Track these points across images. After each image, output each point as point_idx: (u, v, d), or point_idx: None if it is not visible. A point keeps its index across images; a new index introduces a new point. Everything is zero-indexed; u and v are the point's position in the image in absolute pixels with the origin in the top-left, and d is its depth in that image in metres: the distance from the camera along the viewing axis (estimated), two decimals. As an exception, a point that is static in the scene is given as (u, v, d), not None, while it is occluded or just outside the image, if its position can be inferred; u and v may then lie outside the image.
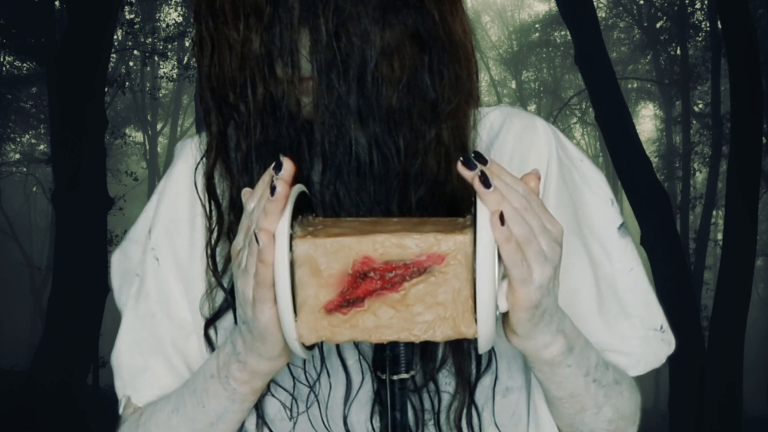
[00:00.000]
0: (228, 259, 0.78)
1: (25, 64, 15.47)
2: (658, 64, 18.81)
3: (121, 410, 0.85)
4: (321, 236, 0.59)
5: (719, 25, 10.14)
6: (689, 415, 7.34)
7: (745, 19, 7.26)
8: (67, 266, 7.12)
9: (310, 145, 0.71)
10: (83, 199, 7.08)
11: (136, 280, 0.85)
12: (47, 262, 17.53)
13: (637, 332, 0.82)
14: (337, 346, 0.76)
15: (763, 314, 22.65)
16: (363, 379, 0.76)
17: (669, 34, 17.13)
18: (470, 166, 0.60)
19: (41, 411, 7.04)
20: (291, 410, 0.78)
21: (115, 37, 10.48)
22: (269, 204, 0.58)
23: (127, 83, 13.76)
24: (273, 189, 0.58)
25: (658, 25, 17.92)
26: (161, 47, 15.14)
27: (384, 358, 0.72)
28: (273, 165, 0.60)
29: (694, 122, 16.31)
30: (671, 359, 0.86)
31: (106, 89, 8.54)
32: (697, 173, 17.78)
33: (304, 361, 0.76)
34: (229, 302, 0.78)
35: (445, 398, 0.76)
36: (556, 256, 0.61)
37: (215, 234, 0.78)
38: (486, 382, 0.77)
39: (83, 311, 7.05)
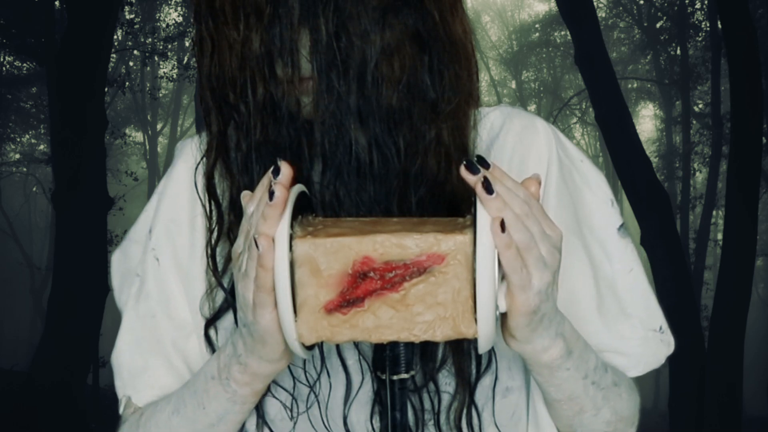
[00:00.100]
0: (228, 259, 0.78)
1: (25, 64, 15.47)
2: (658, 64, 18.81)
3: (121, 410, 0.85)
4: (321, 236, 0.59)
5: (719, 25, 10.14)
6: (689, 415, 7.34)
7: (745, 19, 7.26)
8: (67, 266, 7.12)
9: (310, 145, 0.71)
10: (83, 199, 7.08)
11: (136, 280, 0.85)
12: (47, 262, 17.53)
13: (636, 333, 0.82)
14: (337, 346, 0.76)
15: (763, 314, 22.65)
16: (363, 379, 0.76)
17: (669, 34, 17.12)
18: (473, 171, 0.59)
19: (41, 411, 7.04)
20: (291, 410, 0.78)
21: (115, 37, 10.48)
22: (268, 209, 0.58)
23: (127, 83, 13.76)
24: (271, 194, 0.58)
25: (658, 25, 17.92)
26: (161, 47, 15.13)
27: (384, 358, 0.72)
28: (271, 169, 0.60)
29: (694, 122, 16.31)
30: (671, 359, 0.86)
31: (106, 89, 8.54)
32: (697, 173, 17.78)
33: (304, 361, 0.76)
34: (230, 302, 0.78)
35: (445, 398, 0.76)
36: (556, 261, 0.62)
37: (215, 234, 0.78)
38: (486, 382, 0.77)
39: (83, 311, 7.05)
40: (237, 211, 0.76)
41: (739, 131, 7.29)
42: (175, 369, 0.82)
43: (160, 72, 18.63)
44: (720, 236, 11.91)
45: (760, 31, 10.43)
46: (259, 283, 0.60)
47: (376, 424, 0.76)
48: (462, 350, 0.74)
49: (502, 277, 0.61)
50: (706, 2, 14.84)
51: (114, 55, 14.15)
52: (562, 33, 21.63)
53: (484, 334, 0.59)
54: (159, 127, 24.33)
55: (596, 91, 7.69)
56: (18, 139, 19.58)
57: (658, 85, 19.21)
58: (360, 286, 0.59)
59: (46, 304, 7.77)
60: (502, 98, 27.13)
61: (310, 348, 0.64)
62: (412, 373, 0.72)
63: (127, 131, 20.23)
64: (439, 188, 0.72)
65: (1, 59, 15.56)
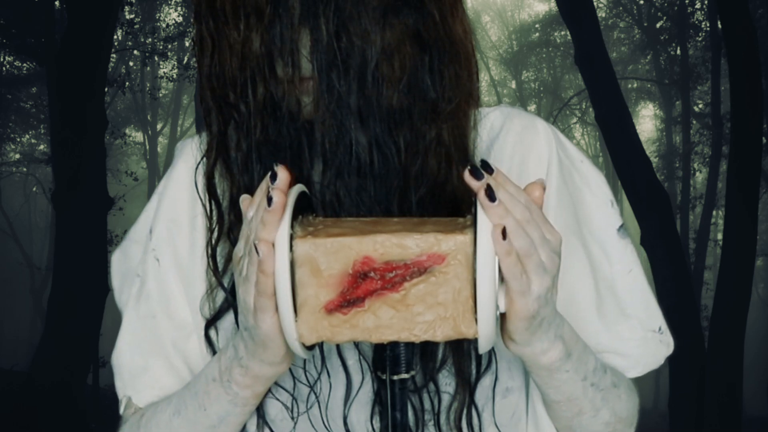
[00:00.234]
0: (228, 259, 0.78)
1: (25, 64, 15.47)
2: (658, 64, 18.81)
3: (121, 410, 0.85)
4: (321, 236, 0.59)
5: (719, 25, 10.14)
6: (689, 415, 7.34)
7: (745, 19, 7.26)
8: (67, 266, 7.12)
9: (311, 145, 0.71)
10: (83, 199, 7.08)
11: (136, 281, 0.84)
12: (47, 262, 17.53)
13: (635, 334, 0.82)
14: (338, 346, 0.76)
15: (763, 314, 22.65)
16: (363, 379, 0.76)
17: (669, 34, 17.12)
18: (477, 177, 0.59)
19: (41, 411, 7.04)
20: (292, 411, 0.78)
21: (115, 37, 10.48)
22: (267, 214, 0.58)
23: (127, 83, 13.76)
24: (270, 199, 0.58)
25: (658, 25, 17.92)
26: (161, 47, 15.13)
27: (384, 358, 0.72)
28: (269, 175, 0.60)
29: (694, 122, 16.30)
30: (671, 359, 0.86)
31: (106, 89, 8.54)
32: (697, 173, 17.78)
33: (305, 361, 0.76)
34: (230, 302, 0.78)
35: (445, 398, 0.76)
36: (555, 266, 0.62)
37: (215, 234, 0.78)
38: (486, 382, 0.77)
39: (83, 311, 7.05)
40: (237, 211, 0.76)
41: (739, 131, 7.29)
42: (176, 369, 0.82)
43: (160, 72, 18.63)
44: (720, 236, 11.91)
45: (760, 31, 10.43)
46: (260, 288, 0.60)
47: (376, 424, 0.76)
48: (462, 350, 0.74)
49: (502, 278, 0.61)
50: (706, 2, 14.84)
51: (114, 55, 14.15)
52: (562, 33, 21.63)
53: (485, 334, 0.59)
54: (159, 127, 24.33)
55: (596, 91, 7.70)
56: (18, 139, 19.58)
57: (658, 85, 19.22)
58: (360, 286, 0.59)
59: (46, 304, 7.77)
60: (502, 98, 27.13)
61: (310, 348, 0.64)
62: (413, 373, 0.72)
63: (127, 131, 20.23)
64: (439, 188, 0.72)
65: (1, 59, 15.56)
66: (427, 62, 0.71)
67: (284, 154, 0.71)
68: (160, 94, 22.84)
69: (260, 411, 0.78)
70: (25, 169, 20.95)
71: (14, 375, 9.63)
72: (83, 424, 7.43)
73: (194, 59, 0.78)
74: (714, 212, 14.95)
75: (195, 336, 0.82)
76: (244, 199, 0.64)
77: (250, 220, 0.62)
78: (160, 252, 0.83)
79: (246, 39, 0.69)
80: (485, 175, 0.59)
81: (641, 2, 18.53)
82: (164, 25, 16.85)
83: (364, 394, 0.76)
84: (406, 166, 0.70)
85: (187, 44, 16.56)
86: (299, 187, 0.63)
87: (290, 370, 0.76)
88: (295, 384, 0.77)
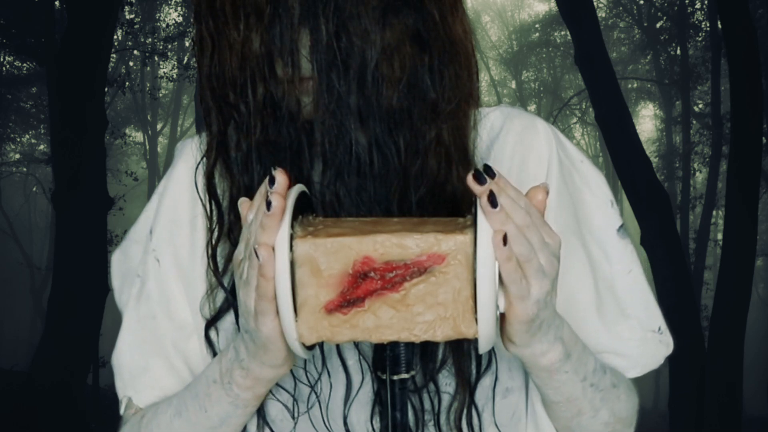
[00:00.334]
0: (228, 259, 0.78)
1: (25, 64, 15.47)
2: (658, 64, 18.81)
3: (122, 411, 0.85)
4: (321, 236, 0.59)
5: (719, 25, 10.14)
6: (689, 415, 7.34)
7: (745, 19, 7.26)
8: (67, 266, 7.12)
9: (311, 145, 0.71)
10: (83, 199, 7.08)
11: (137, 281, 0.84)
12: (47, 262, 17.53)
13: (635, 334, 0.82)
14: (338, 347, 0.76)
15: (763, 314, 22.65)
16: (363, 379, 0.76)
17: (669, 34, 17.12)
18: (481, 182, 0.59)
19: (41, 411, 7.04)
20: (292, 411, 0.78)
21: (115, 37, 10.48)
22: (266, 219, 0.58)
23: (127, 83, 13.76)
24: (269, 204, 0.58)
25: (658, 25, 17.92)
26: (161, 47, 15.13)
27: (384, 358, 0.72)
28: (267, 179, 0.59)
29: (694, 122, 16.30)
30: (671, 359, 0.86)
31: (106, 89, 8.54)
32: (697, 173, 17.78)
33: (305, 361, 0.76)
34: (230, 302, 0.78)
35: (446, 399, 0.76)
36: (554, 269, 0.62)
37: (216, 234, 0.78)
38: (486, 382, 0.77)
39: (83, 311, 7.05)
40: (237, 211, 0.75)
41: (739, 131, 7.29)
42: (176, 370, 0.82)
43: (160, 72, 18.63)
44: (720, 236, 11.91)
45: (760, 31, 10.43)
46: (260, 292, 0.60)
47: (377, 424, 0.76)
48: (462, 350, 0.74)
49: (502, 282, 0.61)
50: (706, 2, 14.84)
51: (114, 55, 14.15)
52: (562, 33, 21.63)
53: (485, 334, 0.59)
54: (159, 127, 24.33)
55: (596, 91, 7.70)
56: (18, 139, 19.58)
57: (658, 85, 19.21)
58: (360, 286, 0.59)
59: (46, 304, 7.77)
60: (502, 98, 27.13)
61: (310, 348, 0.64)
62: (413, 373, 0.72)
63: (127, 131, 20.23)
64: (439, 188, 0.72)
65: (1, 59, 15.56)
66: (426, 62, 0.71)
67: (284, 154, 0.71)
68: (160, 94, 22.84)
69: (261, 411, 0.78)
70: (25, 169, 20.95)
71: (14, 375, 9.63)
72: (83, 424, 7.43)
73: (194, 59, 0.78)
74: (714, 212, 14.95)
75: (195, 336, 0.82)
76: (242, 202, 0.64)
77: (249, 223, 0.62)
78: (161, 252, 0.83)
79: (246, 39, 0.69)
80: (488, 180, 0.59)
81: (641, 2, 18.53)
82: (164, 25, 16.85)
83: (364, 394, 0.76)
84: (406, 166, 0.70)
85: (187, 44, 16.56)
86: (299, 187, 0.63)
87: (291, 370, 0.76)
88: (295, 384, 0.77)
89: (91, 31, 7.17)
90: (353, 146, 0.69)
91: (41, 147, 20.55)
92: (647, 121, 28.55)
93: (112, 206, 7.80)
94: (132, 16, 14.45)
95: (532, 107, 26.29)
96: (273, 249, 0.58)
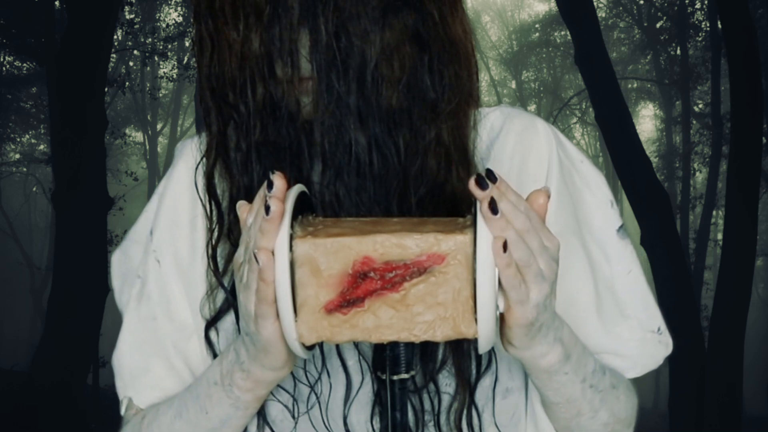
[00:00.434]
0: (229, 259, 0.78)
1: (25, 64, 15.48)
2: (658, 64, 18.81)
3: (122, 411, 0.85)
4: (321, 236, 0.59)
5: (719, 25, 10.14)
6: (689, 415, 7.34)
7: (745, 19, 7.26)
8: (67, 266, 7.12)
9: (310, 145, 0.71)
10: (83, 199, 7.08)
11: (137, 282, 0.84)
12: (47, 262, 17.53)
13: (635, 334, 0.82)
14: (337, 347, 0.75)
15: (763, 314, 22.65)
16: (363, 379, 0.76)
17: (669, 34, 17.13)
18: (483, 186, 0.59)
19: (41, 411, 7.04)
20: (292, 411, 0.78)
21: (115, 37, 10.48)
22: (265, 223, 0.58)
23: (127, 83, 13.77)
24: (267, 208, 0.58)
25: (658, 25, 17.92)
26: (161, 47, 15.14)
27: (384, 358, 0.72)
28: (265, 183, 0.59)
29: (694, 122, 16.31)
30: (671, 359, 0.86)
31: (106, 89, 8.54)
32: (697, 173, 17.78)
33: (305, 361, 0.76)
34: (230, 303, 0.78)
35: (445, 399, 0.76)
36: (553, 273, 0.62)
37: (215, 234, 0.78)
38: (486, 382, 0.77)
39: (83, 311, 7.06)
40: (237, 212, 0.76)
41: (739, 131, 7.30)
42: (176, 370, 0.82)
43: (160, 72, 18.63)
44: (720, 236, 11.91)
45: (760, 31, 10.43)
46: (260, 296, 0.59)
47: (377, 424, 0.76)
48: (462, 351, 0.74)
49: (501, 286, 0.61)
50: (706, 2, 14.84)
51: (114, 55, 14.15)
52: (562, 33, 21.63)
53: (485, 334, 0.59)
54: (159, 127, 24.33)
55: (596, 91, 7.70)
56: (18, 139, 19.59)
57: (658, 85, 19.21)
58: (360, 286, 0.59)
59: (46, 304, 7.77)
60: (502, 98, 27.13)
61: (310, 348, 0.64)
62: (412, 373, 0.72)
63: (127, 131, 20.24)
64: (439, 188, 0.72)
65: (1, 59, 15.56)
66: (426, 62, 0.71)
67: (283, 154, 0.71)
68: (160, 94, 22.85)
69: (261, 411, 0.78)
70: (25, 169, 20.95)
71: (14, 375, 9.63)
72: (83, 424, 7.43)
73: (194, 59, 0.78)
74: (714, 212, 14.95)
75: (195, 337, 0.82)
76: (241, 205, 0.64)
77: (248, 227, 0.62)
78: (161, 253, 0.83)
79: (245, 39, 0.69)
80: (490, 185, 0.59)
81: (641, 2, 18.53)
82: (164, 25, 16.86)
83: (364, 394, 0.76)
84: (406, 166, 0.70)
85: (187, 44, 16.56)
86: (298, 187, 0.63)
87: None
88: (295, 384, 0.77)
89: (91, 31, 7.17)
90: (353, 146, 0.69)
91: (41, 147, 20.56)
92: (647, 121, 28.56)
93: (112, 206, 7.80)
94: (132, 16, 14.45)
95: (532, 107, 26.29)
96: (273, 253, 0.58)
